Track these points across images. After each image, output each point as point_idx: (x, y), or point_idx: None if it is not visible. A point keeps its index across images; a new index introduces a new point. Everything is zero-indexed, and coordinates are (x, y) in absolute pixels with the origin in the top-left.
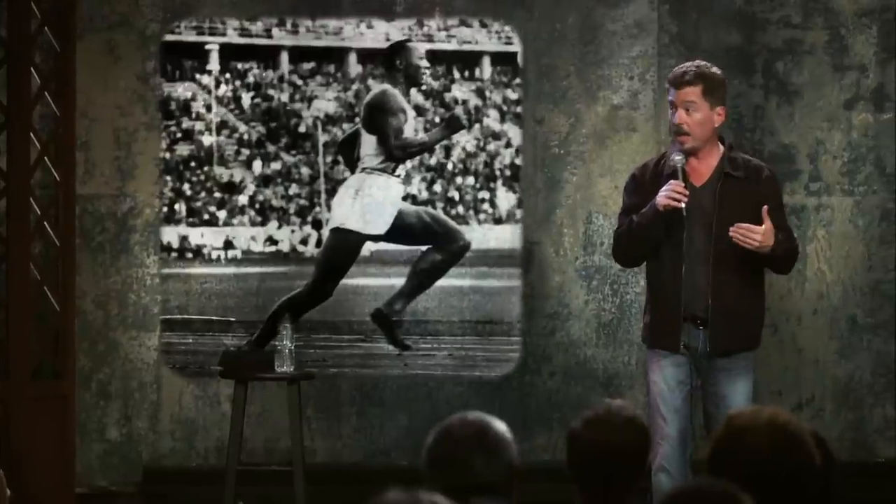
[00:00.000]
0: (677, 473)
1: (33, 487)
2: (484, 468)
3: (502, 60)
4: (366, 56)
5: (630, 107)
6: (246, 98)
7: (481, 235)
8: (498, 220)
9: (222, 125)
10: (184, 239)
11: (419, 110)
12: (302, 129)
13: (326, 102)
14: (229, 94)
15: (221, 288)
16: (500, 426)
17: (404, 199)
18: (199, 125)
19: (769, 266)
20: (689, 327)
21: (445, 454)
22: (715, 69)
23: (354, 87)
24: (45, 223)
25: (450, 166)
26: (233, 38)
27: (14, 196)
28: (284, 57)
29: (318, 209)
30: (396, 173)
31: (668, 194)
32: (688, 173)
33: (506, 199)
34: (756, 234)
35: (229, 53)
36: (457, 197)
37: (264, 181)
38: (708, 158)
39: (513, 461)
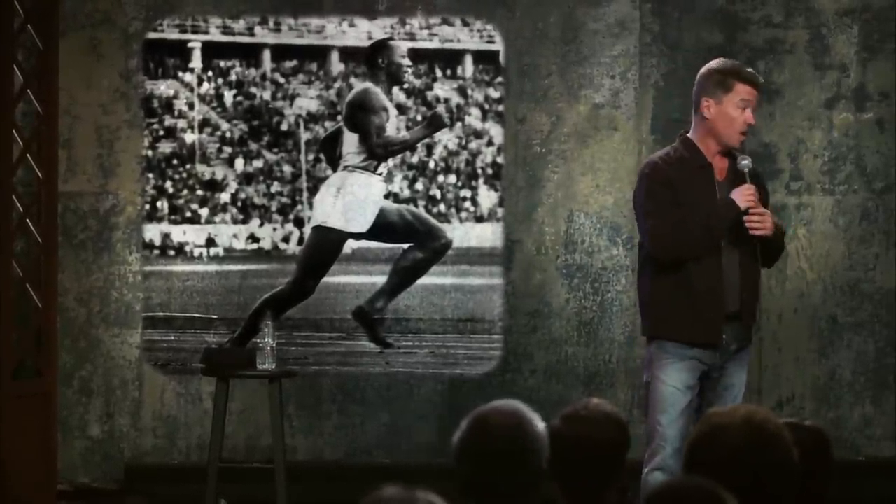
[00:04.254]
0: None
1: (15, 484)
2: (519, 475)
3: (484, 59)
4: (348, 54)
5: (611, 105)
6: (228, 96)
7: (463, 233)
8: (479, 219)
9: (204, 123)
10: (166, 236)
11: (401, 108)
12: (284, 127)
13: (309, 100)
14: (212, 91)
15: (203, 285)
16: (538, 424)
17: (386, 197)
18: (181, 123)
19: (767, 256)
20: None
21: (479, 447)
22: None
23: (336, 85)
24: (28, 220)
25: (431, 164)
26: (215, 36)
27: None
28: (267, 55)
29: (299, 207)
30: (378, 171)
31: (748, 197)
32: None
33: (487, 197)
34: (769, 218)
35: (212, 51)
36: (438, 195)
37: (246, 179)
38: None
39: (542, 464)
